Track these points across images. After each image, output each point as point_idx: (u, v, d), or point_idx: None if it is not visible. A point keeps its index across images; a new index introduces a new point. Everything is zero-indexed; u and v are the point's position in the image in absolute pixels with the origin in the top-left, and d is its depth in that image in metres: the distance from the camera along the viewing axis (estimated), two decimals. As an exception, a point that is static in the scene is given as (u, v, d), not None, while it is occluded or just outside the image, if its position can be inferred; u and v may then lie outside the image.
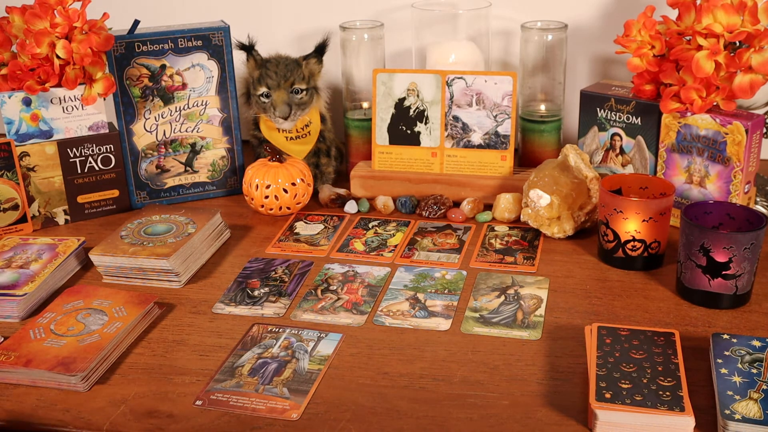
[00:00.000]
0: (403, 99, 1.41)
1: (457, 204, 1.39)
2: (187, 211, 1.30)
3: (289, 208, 1.36)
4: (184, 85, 1.40)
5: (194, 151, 1.44)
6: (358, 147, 1.51)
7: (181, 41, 1.38)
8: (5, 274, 1.16)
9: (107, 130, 1.37)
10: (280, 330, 1.05)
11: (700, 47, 1.16)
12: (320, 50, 1.41)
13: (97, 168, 1.37)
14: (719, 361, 0.91)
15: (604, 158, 1.36)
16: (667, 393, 0.86)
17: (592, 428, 0.85)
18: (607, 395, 0.86)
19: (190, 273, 1.20)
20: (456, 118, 1.39)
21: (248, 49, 1.39)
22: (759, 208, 1.30)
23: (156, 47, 1.37)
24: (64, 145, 1.34)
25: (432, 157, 1.41)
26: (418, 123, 1.41)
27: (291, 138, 1.42)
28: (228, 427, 0.88)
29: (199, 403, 0.92)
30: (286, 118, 1.38)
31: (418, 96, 1.40)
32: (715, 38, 1.15)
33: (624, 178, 1.22)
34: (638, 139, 1.31)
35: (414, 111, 1.41)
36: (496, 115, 1.37)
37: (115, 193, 1.40)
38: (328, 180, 1.47)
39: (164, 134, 1.42)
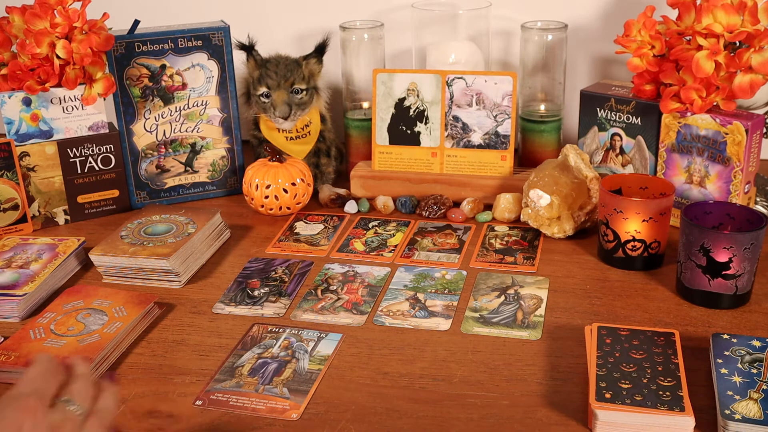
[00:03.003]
0: (403, 99, 1.41)
1: (457, 204, 1.39)
2: (187, 211, 1.30)
3: (289, 208, 1.36)
4: (184, 85, 1.40)
5: (194, 151, 1.44)
6: (358, 147, 1.51)
7: (181, 41, 1.38)
8: (5, 274, 1.16)
9: (107, 130, 1.37)
10: (280, 330, 1.05)
11: (700, 47, 1.16)
12: (320, 50, 1.41)
13: (97, 168, 1.37)
14: (719, 361, 0.91)
15: (604, 158, 1.36)
16: (667, 393, 0.86)
17: (592, 428, 0.85)
18: (607, 395, 0.86)
19: (190, 273, 1.20)
20: (456, 118, 1.39)
21: (248, 49, 1.39)
22: (759, 208, 1.30)
23: (156, 47, 1.37)
24: (64, 145, 1.34)
25: (432, 157, 1.41)
26: (418, 123, 1.41)
27: (291, 138, 1.42)
28: (228, 427, 0.88)
29: (199, 403, 0.92)
30: (286, 118, 1.38)
31: (418, 96, 1.40)
32: (715, 38, 1.15)
33: (624, 178, 1.22)
34: (638, 139, 1.31)
35: (414, 111, 1.41)
36: (496, 115, 1.37)
37: (115, 193, 1.40)
38: (328, 180, 1.47)
39: (164, 134, 1.42)
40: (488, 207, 1.37)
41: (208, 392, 0.94)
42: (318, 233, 1.32)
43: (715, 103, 1.21)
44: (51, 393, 0.68)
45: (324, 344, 1.02)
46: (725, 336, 0.96)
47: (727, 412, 0.83)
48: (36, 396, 0.67)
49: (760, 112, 1.28)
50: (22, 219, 1.33)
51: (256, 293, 1.15)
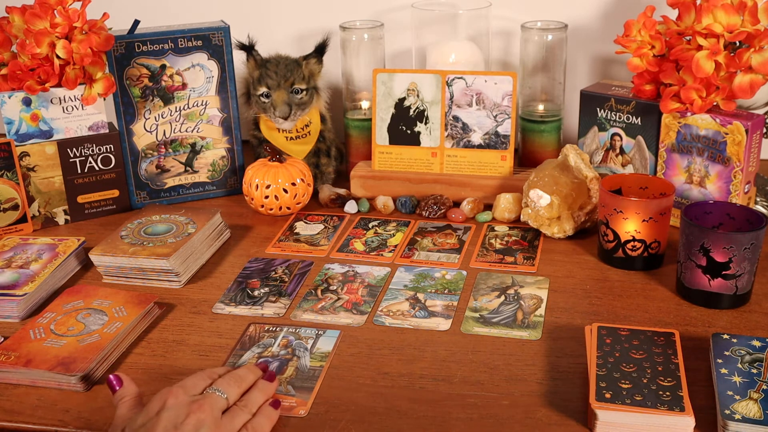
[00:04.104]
0: (403, 99, 1.41)
1: (457, 204, 1.39)
2: (187, 211, 1.30)
3: (289, 208, 1.36)
4: (184, 85, 1.40)
5: (194, 151, 1.44)
6: (358, 147, 1.51)
7: (181, 41, 1.38)
8: (5, 274, 1.16)
9: (107, 130, 1.37)
10: (278, 329, 1.05)
11: (700, 47, 1.16)
12: (320, 50, 1.41)
13: (97, 168, 1.37)
14: (719, 361, 0.91)
15: (604, 158, 1.36)
16: (667, 393, 0.86)
17: (592, 428, 0.85)
18: (607, 395, 0.86)
19: (190, 273, 1.20)
20: (456, 118, 1.39)
21: (248, 49, 1.39)
22: (759, 208, 1.30)
23: (156, 47, 1.37)
24: (64, 145, 1.34)
25: (432, 157, 1.41)
26: (418, 123, 1.41)
27: (291, 138, 1.42)
28: (228, 427, 0.88)
29: (199, 403, 0.92)
30: (286, 118, 1.38)
31: (418, 96, 1.40)
32: (715, 38, 1.15)
33: (624, 178, 1.23)
34: (638, 139, 1.31)
35: (414, 111, 1.41)
36: (496, 115, 1.38)
37: (115, 193, 1.40)
38: (328, 180, 1.47)
39: (164, 134, 1.42)
40: (488, 207, 1.37)
41: (208, 392, 0.94)
42: (318, 233, 1.32)
43: (715, 103, 1.21)
44: (200, 388, 0.85)
45: (323, 341, 1.02)
46: (725, 336, 0.96)
47: (727, 412, 0.83)
48: (183, 387, 0.84)
49: (760, 112, 1.28)
50: (22, 219, 1.33)
51: (256, 293, 1.15)
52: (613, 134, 1.34)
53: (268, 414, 0.87)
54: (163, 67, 1.38)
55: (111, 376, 0.88)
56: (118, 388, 0.87)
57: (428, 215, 1.35)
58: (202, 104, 1.42)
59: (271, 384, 0.90)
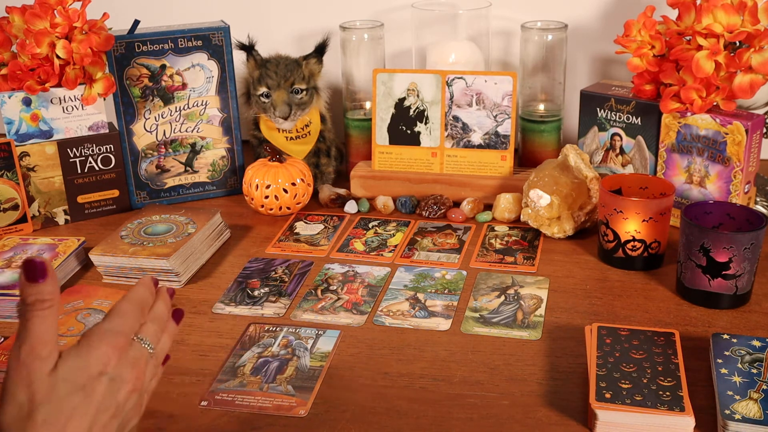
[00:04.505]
0: (403, 99, 1.41)
1: (457, 204, 1.39)
2: (187, 211, 1.30)
3: (289, 208, 1.36)
4: (184, 85, 1.40)
5: (194, 151, 1.44)
6: (358, 147, 1.51)
7: (181, 41, 1.38)
8: (5, 274, 1.16)
9: (107, 130, 1.37)
10: (278, 329, 1.05)
11: (700, 47, 1.16)
12: (320, 50, 1.41)
13: (97, 168, 1.37)
14: (719, 361, 0.91)
15: (604, 158, 1.36)
16: (667, 393, 0.86)
17: (592, 428, 0.85)
18: (607, 395, 0.86)
19: (190, 273, 1.20)
20: (456, 118, 1.39)
21: (248, 49, 1.40)
22: (759, 208, 1.30)
23: (156, 47, 1.37)
24: (64, 145, 1.34)
25: (432, 157, 1.41)
26: (418, 123, 1.41)
27: (291, 138, 1.42)
28: (228, 426, 0.88)
29: (204, 403, 0.92)
30: (286, 118, 1.38)
31: (418, 96, 1.40)
32: (715, 38, 1.15)
33: (624, 178, 1.23)
34: (638, 139, 1.31)
35: (414, 111, 1.41)
36: (496, 115, 1.38)
37: (115, 193, 1.40)
38: (328, 180, 1.47)
39: (164, 134, 1.42)
40: (488, 207, 1.37)
41: (212, 392, 0.94)
42: (318, 233, 1.32)
43: (715, 103, 1.21)
44: (135, 331, 0.73)
45: (323, 341, 1.02)
46: (725, 336, 0.96)
47: (727, 412, 0.83)
48: (126, 335, 0.71)
49: (760, 112, 1.28)
50: (22, 219, 1.33)
51: (256, 293, 1.15)
52: (613, 134, 1.34)
53: (159, 374, 0.78)
54: (163, 67, 1.38)
55: (37, 260, 0.67)
56: (41, 280, 0.67)
57: (428, 215, 1.35)
58: (202, 104, 1.42)
59: (176, 327, 0.80)
